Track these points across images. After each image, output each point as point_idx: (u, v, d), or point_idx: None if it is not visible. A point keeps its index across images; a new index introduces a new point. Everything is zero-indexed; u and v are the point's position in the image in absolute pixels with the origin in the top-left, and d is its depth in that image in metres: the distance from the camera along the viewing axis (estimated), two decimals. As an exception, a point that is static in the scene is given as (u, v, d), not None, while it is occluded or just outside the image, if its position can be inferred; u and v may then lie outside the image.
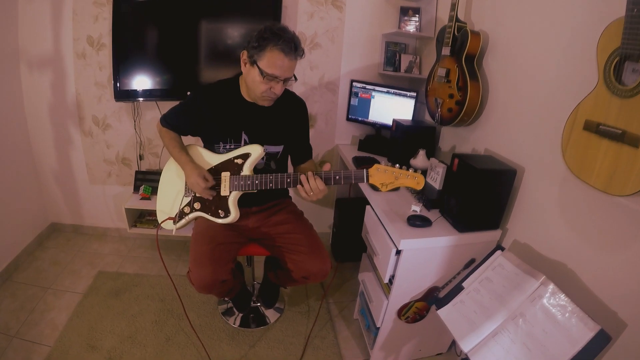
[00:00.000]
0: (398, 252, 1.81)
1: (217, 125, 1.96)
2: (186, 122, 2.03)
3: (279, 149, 1.99)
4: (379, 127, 2.88)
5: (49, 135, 2.98)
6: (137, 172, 3.04)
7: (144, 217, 3.14)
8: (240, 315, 2.49)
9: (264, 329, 2.43)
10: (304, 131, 2.10)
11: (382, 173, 1.65)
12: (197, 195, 1.90)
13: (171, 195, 2.03)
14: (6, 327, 2.29)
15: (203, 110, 1.95)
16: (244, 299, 2.42)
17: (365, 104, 2.85)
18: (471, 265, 1.97)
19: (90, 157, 3.06)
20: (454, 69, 2.10)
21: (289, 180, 1.74)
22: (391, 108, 2.75)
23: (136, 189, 3.02)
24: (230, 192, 1.85)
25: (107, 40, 2.70)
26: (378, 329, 2.10)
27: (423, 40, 2.82)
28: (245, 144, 1.92)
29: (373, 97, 2.80)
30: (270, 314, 2.53)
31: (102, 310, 2.46)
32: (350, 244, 2.96)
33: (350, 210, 2.99)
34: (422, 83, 2.70)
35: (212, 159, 1.95)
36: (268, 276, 2.39)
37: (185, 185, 1.96)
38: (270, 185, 1.77)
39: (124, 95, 2.73)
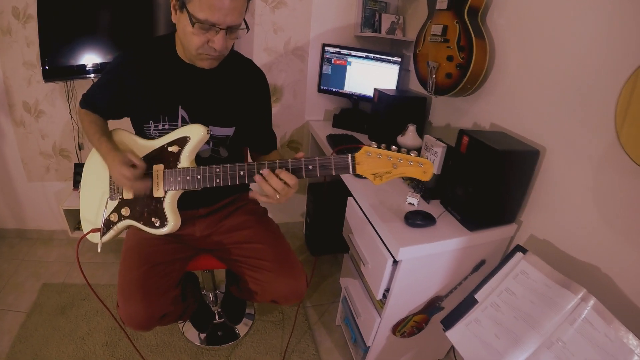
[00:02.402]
0: (395, 262, 1.22)
1: (144, 98, 1.29)
2: (106, 97, 1.34)
3: (228, 132, 1.34)
4: (356, 99, 2.21)
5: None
6: (76, 165, 2.35)
7: None
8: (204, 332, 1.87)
9: (232, 345, 1.83)
10: (264, 112, 1.45)
11: (374, 159, 1.01)
12: (125, 196, 1.27)
13: (95, 198, 1.38)
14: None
15: (127, 78, 1.29)
16: (204, 316, 1.82)
17: (340, 72, 2.17)
18: (480, 268, 1.42)
19: (25, 151, 2.36)
20: (452, 25, 1.53)
21: (242, 173, 1.11)
22: (371, 76, 2.10)
23: (76, 184, 2.34)
24: (165, 193, 1.21)
25: (34, 9, 1.97)
26: (368, 347, 1.52)
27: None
28: (184, 123, 1.26)
29: (349, 64, 2.13)
30: (240, 326, 1.92)
31: (48, 331, 1.88)
32: (327, 234, 2.33)
33: (327, 195, 2.33)
34: (406, 47, 2.12)
35: (142, 147, 1.32)
36: (230, 290, 1.74)
37: (111, 184, 1.31)
38: (217, 181, 1.14)
39: (54, 74, 2.03)
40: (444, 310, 1.47)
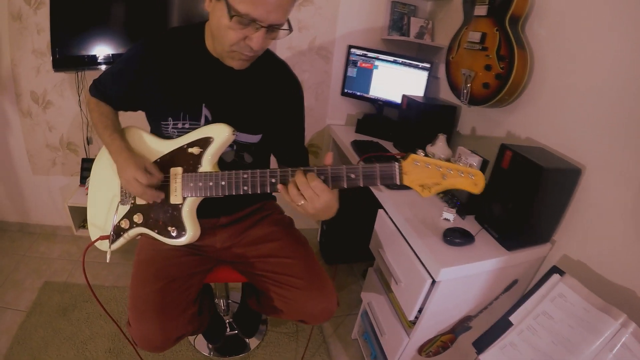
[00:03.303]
0: (433, 283, 1.14)
1: (165, 92, 1.15)
2: (122, 88, 1.20)
3: (254, 139, 1.20)
4: (381, 105, 2.10)
5: (-18, 116, 2.16)
6: (84, 160, 2.24)
7: None
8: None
9: (243, 357, 1.73)
10: (295, 123, 1.30)
11: (422, 169, 0.91)
12: (138, 201, 1.15)
13: (104, 202, 1.24)
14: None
15: (147, 67, 1.14)
16: (216, 327, 1.68)
17: (366, 76, 2.06)
18: (512, 288, 1.36)
19: (31, 143, 2.24)
20: (492, 33, 1.44)
21: (273, 180, 0.98)
22: (398, 82, 1.99)
23: (83, 180, 2.22)
24: (184, 199, 1.09)
25: None
26: (390, 366, 1.45)
27: (437, 1, 2.05)
28: (207, 123, 1.13)
29: (376, 68, 2.02)
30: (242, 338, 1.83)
31: (48, 334, 1.77)
32: (343, 243, 2.23)
33: (345, 202, 2.20)
34: (434, 53, 2.02)
35: (157, 147, 1.18)
36: (248, 303, 1.60)
37: (122, 186, 1.19)
38: (245, 188, 1.01)
39: (65, 63, 1.93)
40: (471, 329, 1.39)
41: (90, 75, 2.07)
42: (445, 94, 1.90)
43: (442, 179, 0.91)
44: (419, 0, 2.13)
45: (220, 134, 1.08)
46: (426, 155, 0.93)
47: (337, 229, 2.25)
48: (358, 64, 2.06)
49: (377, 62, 2.02)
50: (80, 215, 2.24)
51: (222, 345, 1.75)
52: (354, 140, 1.94)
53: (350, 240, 2.18)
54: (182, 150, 1.11)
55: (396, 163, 0.91)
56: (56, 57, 1.93)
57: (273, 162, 1.37)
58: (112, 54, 1.97)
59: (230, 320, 1.85)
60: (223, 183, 1.04)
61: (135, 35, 1.96)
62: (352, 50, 2.05)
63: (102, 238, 1.21)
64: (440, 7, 2.05)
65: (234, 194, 1.04)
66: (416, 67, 1.93)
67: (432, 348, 1.40)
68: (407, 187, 0.94)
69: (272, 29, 0.95)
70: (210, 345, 1.75)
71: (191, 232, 1.11)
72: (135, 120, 1.29)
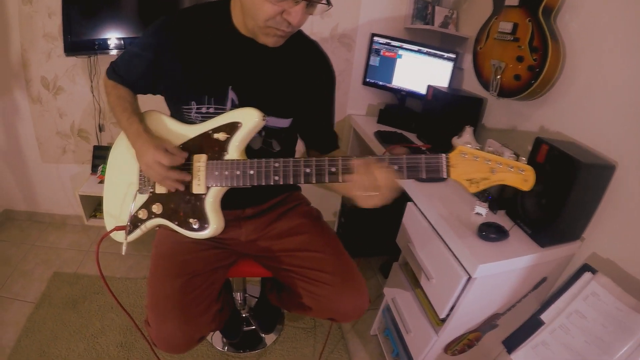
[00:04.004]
0: (468, 279, 1.10)
1: (187, 73, 1.08)
2: (141, 69, 1.12)
3: (284, 123, 1.14)
4: (404, 95, 2.05)
5: (-8, 103, 2.11)
6: (95, 148, 2.19)
7: None
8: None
9: (259, 353, 1.69)
10: (327, 105, 1.24)
11: (469, 162, 0.85)
12: (157, 190, 1.09)
13: (121, 190, 1.18)
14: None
15: (168, 47, 1.06)
16: (234, 324, 1.65)
17: (389, 65, 2.01)
18: (540, 286, 1.32)
19: (41, 130, 2.20)
20: (524, 23, 1.40)
21: (308, 170, 0.93)
22: (421, 72, 1.94)
23: (94, 168, 2.18)
24: (207, 189, 1.03)
25: None
26: (414, 364, 1.41)
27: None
28: (233, 107, 1.06)
29: (399, 57, 1.97)
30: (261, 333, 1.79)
31: (57, 326, 1.74)
32: (361, 236, 2.17)
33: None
34: (458, 43, 1.97)
35: (179, 132, 1.11)
36: (268, 298, 1.56)
37: (140, 174, 1.12)
38: (276, 178, 0.96)
39: (77, 47, 1.89)
40: (498, 328, 1.36)
41: (103, 60, 2.03)
42: (469, 85, 1.86)
43: (490, 173, 0.86)
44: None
45: (249, 119, 1.01)
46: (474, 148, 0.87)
47: (356, 222, 2.21)
48: (381, 53, 2.01)
49: (400, 52, 1.97)
50: (91, 205, 2.21)
51: (238, 341, 1.71)
52: (377, 130, 1.90)
53: (368, 233, 2.14)
54: (206, 136, 1.05)
55: (443, 155, 0.86)
56: (68, 41, 1.88)
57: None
58: (126, 38, 1.92)
59: (247, 314, 1.80)
60: (252, 172, 0.98)
61: (149, 18, 1.89)
62: (375, 38, 2.00)
63: (118, 229, 1.15)
64: (465, -5, 1.99)
65: (263, 184, 0.97)
66: (441, 57, 1.88)
67: (458, 346, 1.37)
68: (436, 180, 0.90)
69: (311, 2, 0.89)
70: (225, 340, 1.71)
71: (214, 225, 1.05)
72: (154, 105, 1.21)
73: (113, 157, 1.26)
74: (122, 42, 1.93)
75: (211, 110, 1.07)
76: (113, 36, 1.90)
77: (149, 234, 1.19)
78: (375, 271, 2.26)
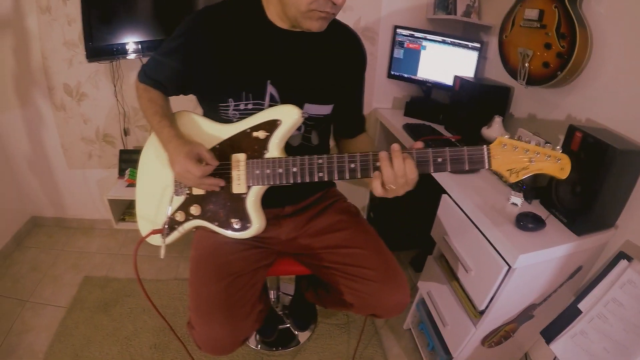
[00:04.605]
0: (508, 270, 1.13)
1: (223, 70, 1.10)
2: (171, 69, 1.14)
3: (326, 110, 1.17)
4: (430, 87, 2.09)
5: (16, 112, 2.20)
6: (121, 152, 2.28)
7: (134, 208, 2.31)
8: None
9: (293, 350, 1.75)
10: (360, 88, 1.28)
11: (509, 152, 0.90)
12: (195, 191, 1.12)
13: (156, 193, 1.21)
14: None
15: (200, 45, 1.08)
16: (270, 322, 1.70)
17: (413, 57, 2.05)
18: (576, 275, 1.36)
19: (66, 136, 2.29)
20: (550, 10, 1.42)
21: (353, 165, 0.96)
22: (446, 62, 1.97)
23: (121, 172, 2.26)
24: (248, 188, 1.06)
25: None
26: (450, 357, 1.45)
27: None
28: (273, 102, 1.10)
29: (424, 49, 2.00)
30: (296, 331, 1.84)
31: (89, 330, 1.80)
32: (390, 230, 2.10)
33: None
34: (483, 31, 2.00)
35: (217, 131, 1.13)
36: (305, 295, 1.59)
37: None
38: (320, 175, 0.99)
39: (99, 53, 1.94)
40: (534, 318, 1.40)
41: (126, 65, 2.10)
42: (494, 74, 1.89)
43: (529, 163, 0.90)
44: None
45: (289, 116, 1.04)
46: (512, 138, 0.91)
47: (385, 216, 2.26)
48: (405, 45, 2.05)
49: (424, 43, 2.00)
50: (119, 208, 2.29)
51: (273, 339, 1.76)
52: (405, 123, 1.95)
53: (397, 228, 2.16)
54: (245, 134, 1.07)
55: (485, 146, 0.90)
56: (89, 47, 1.93)
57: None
58: (150, 40, 1.98)
59: (281, 312, 1.86)
60: (295, 169, 1.01)
61: (168, 20, 1.97)
62: (399, 30, 2.04)
63: (154, 232, 1.18)
64: (487, -16, 2.02)
65: (308, 181, 1.00)
66: (465, 47, 1.91)
67: (495, 338, 1.41)
68: (469, 171, 0.93)
69: None
70: (258, 338, 1.76)
71: (257, 224, 1.08)
72: (186, 105, 1.25)
73: (144, 160, 1.28)
74: (142, 45, 1.97)
75: (249, 106, 1.09)
76: (134, 40, 1.95)
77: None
78: (405, 265, 2.30)
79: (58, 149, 2.32)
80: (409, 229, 2.07)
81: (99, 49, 1.95)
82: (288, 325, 1.83)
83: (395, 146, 0.91)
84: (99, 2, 1.89)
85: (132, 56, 1.99)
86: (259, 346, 1.75)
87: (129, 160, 2.25)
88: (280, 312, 1.86)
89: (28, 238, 2.48)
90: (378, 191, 0.94)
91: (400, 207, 2.03)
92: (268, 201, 1.11)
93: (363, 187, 2.54)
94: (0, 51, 2.07)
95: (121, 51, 1.96)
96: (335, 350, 1.76)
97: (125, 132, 2.27)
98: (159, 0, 1.95)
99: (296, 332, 1.82)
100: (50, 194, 2.50)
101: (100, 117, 2.24)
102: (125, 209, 2.36)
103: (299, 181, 1.01)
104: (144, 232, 1.23)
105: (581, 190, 1.19)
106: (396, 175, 0.90)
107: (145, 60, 1.93)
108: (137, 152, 2.17)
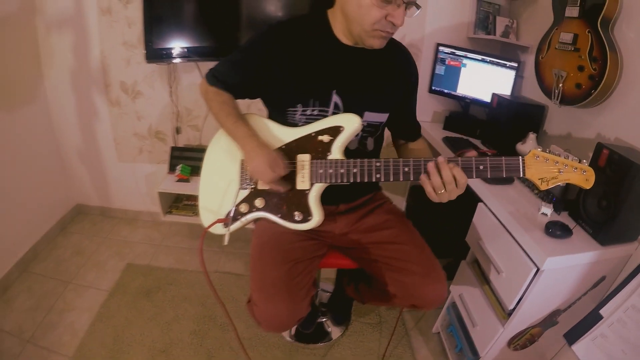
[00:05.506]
0: (536, 272, 1.31)
1: (295, 79, 1.31)
2: (246, 76, 1.35)
3: (382, 118, 1.38)
4: (468, 103, 2.29)
5: (72, 105, 2.46)
6: (173, 149, 2.49)
7: (181, 202, 2.57)
8: (295, 327, 1.95)
9: (327, 345, 1.93)
10: (414, 99, 1.50)
11: (541, 163, 1.09)
12: (260, 186, 1.32)
13: (220, 187, 1.41)
14: (20, 330, 1.88)
15: (274, 55, 1.29)
16: (311, 315, 1.87)
17: (454, 74, 2.25)
18: (600, 284, 1.50)
19: (119, 131, 2.54)
20: (584, 34, 1.59)
21: (406, 169, 1.15)
22: (485, 80, 2.16)
23: (172, 168, 2.46)
24: (311, 185, 1.26)
25: None
26: (478, 357, 1.62)
27: (522, 1, 2.20)
28: (336, 109, 1.30)
29: (464, 66, 2.21)
30: (334, 326, 2.02)
31: (131, 313, 2.00)
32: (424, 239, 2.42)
33: (429, 200, 2.34)
34: (520, 51, 2.19)
35: (283, 133, 1.33)
36: (345, 290, 1.80)
37: (241, 172, 1.36)
38: (377, 176, 1.18)
39: (158, 55, 2.17)
40: (558, 325, 1.55)
41: (183, 68, 2.34)
42: (529, 92, 2.07)
43: (558, 173, 1.09)
44: (503, -1, 2.29)
45: (351, 123, 1.25)
46: (544, 151, 1.10)
47: (418, 225, 2.35)
48: (446, 62, 2.25)
49: (465, 60, 2.20)
50: (167, 202, 2.50)
51: (309, 332, 1.95)
52: (445, 136, 2.15)
53: (430, 237, 2.27)
54: (310, 137, 1.28)
55: (520, 157, 1.09)
56: (149, 49, 2.16)
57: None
58: (206, 46, 2.21)
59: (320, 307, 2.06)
60: (355, 170, 1.21)
61: (229, 31, 2.20)
62: (441, 48, 2.24)
63: (219, 221, 1.37)
64: (524, 6, 2.20)
65: (366, 180, 1.20)
66: (503, 65, 2.10)
67: (520, 341, 1.57)
68: (505, 182, 1.12)
69: (409, 5, 1.14)
70: (293, 332, 1.95)
71: (317, 217, 1.28)
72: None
73: (210, 157, 1.49)
74: (198, 51, 2.20)
75: (315, 112, 1.30)
76: (191, 46, 2.18)
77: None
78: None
79: (110, 142, 2.57)
80: (441, 238, 2.22)
81: (158, 51, 2.17)
82: (325, 320, 2.01)
83: (440, 158, 1.11)
84: (160, 8, 2.11)
85: (188, 60, 2.22)
86: (294, 339, 1.93)
87: (179, 157, 2.47)
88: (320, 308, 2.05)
89: (72, 224, 2.74)
90: (432, 196, 1.14)
91: (432, 217, 2.22)
92: (325, 199, 1.31)
93: (400, 196, 2.73)
94: (61, 48, 2.32)
95: (179, 55, 2.19)
96: (367, 348, 1.94)
97: (177, 131, 2.51)
98: (219, 10, 2.15)
99: (330, 330, 1.98)
100: (97, 184, 2.75)
101: (153, 115, 2.48)
102: (172, 203, 2.57)
103: (358, 180, 1.22)
104: (206, 223, 1.40)
105: (606, 204, 1.35)
106: (445, 182, 1.09)
107: (202, 65, 2.25)
108: (188, 149, 2.48)
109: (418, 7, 1.15)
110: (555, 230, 1.35)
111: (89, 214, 2.85)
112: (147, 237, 2.66)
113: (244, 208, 1.36)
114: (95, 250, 2.47)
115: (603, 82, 1.53)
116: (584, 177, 1.08)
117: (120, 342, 1.85)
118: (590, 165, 1.11)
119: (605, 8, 1.52)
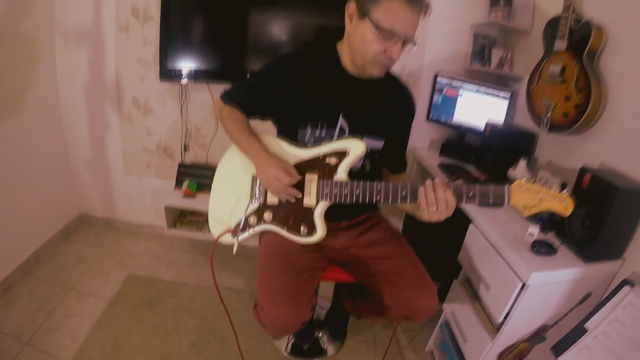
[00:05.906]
0: (522, 287, 1.42)
1: (307, 102, 1.48)
2: (262, 98, 1.52)
3: (379, 144, 1.53)
4: (463, 131, 2.45)
5: (84, 117, 2.60)
6: (180, 165, 2.63)
7: (185, 217, 2.68)
8: (292, 342, 2.05)
9: (322, 361, 2.03)
10: (406, 133, 1.66)
11: (525, 192, 1.22)
12: (269, 201, 1.46)
13: (231, 199, 1.55)
14: (19, 331, 1.95)
15: (288, 82, 1.47)
16: (309, 328, 2.00)
17: (450, 103, 2.42)
18: (585, 300, 1.60)
19: (128, 145, 2.68)
20: (571, 66, 1.74)
21: (404, 193, 1.28)
22: (480, 109, 2.33)
23: (178, 183, 2.59)
24: (317, 202, 1.40)
25: (155, 12, 2.31)
26: (469, 372, 1.71)
27: (516, 34, 2.39)
28: (342, 132, 1.45)
29: (460, 95, 2.37)
30: (329, 342, 2.10)
31: (131, 322, 2.08)
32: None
33: (425, 224, 2.49)
34: (512, 81, 2.37)
35: (294, 152, 1.48)
36: (343, 304, 1.90)
37: (253, 186, 1.50)
38: (378, 197, 1.32)
39: (172, 74, 2.34)
40: (546, 341, 1.63)
41: (194, 88, 2.50)
42: (522, 120, 2.23)
43: (539, 202, 1.22)
44: (498, 31, 2.45)
45: (356, 149, 1.38)
46: (527, 181, 1.24)
47: (411, 244, 2.47)
48: (444, 92, 2.42)
49: (461, 90, 2.37)
50: (172, 216, 2.60)
51: (301, 346, 2.04)
52: (440, 162, 2.30)
53: (423, 255, 2.42)
54: (318, 159, 1.42)
55: (506, 186, 1.23)
56: (163, 68, 2.33)
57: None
58: (216, 70, 2.39)
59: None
60: (358, 192, 1.34)
61: (240, 56, 2.39)
62: (439, 78, 2.41)
63: (228, 231, 1.51)
64: (518, 39, 2.39)
65: (367, 202, 1.34)
66: (497, 96, 2.27)
67: (510, 357, 1.66)
68: (493, 205, 1.25)
69: (406, 42, 1.29)
70: (288, 348, 2.04)
71: (320, 232, 1.41)
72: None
73: (221, 172, 1.64)
74: (211, 72, 2.37)
75: (323, 133, 1.46)
76: (204, 68, 2.36)
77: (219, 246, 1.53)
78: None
79: (119, 156, 2.70)
80: (436, 258, 2.34)
81: (172, 71, 2.34)
82: (321, 335, 2.10)
83: (437, 180, 1.25)
84: (177, 31, 2.29)
85: (198, 82, 2.39)
86: (288, 354, 2.01)
87: (185, 173, 2.62)
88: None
89: (76, 233, 2.85)
90: (424, 211, 1.26)
91: (427, 237, 2.35)
92: (327, 216, 1.44)
93: (397, 218, 2.86)
94: (77, 61, 2.48)
95: (191, 75, 2.36)
96: (361, 364, 2.03)
97: (185, 148, 2.65)
98: (229, 37, 2.34)
99: (325, 347, 2.07)
100: (103, 195, 2.87)
101: (163, 131, 2.62)
102: (177, 217, 2.68)
103: (359, 202, 1.34)
104: (215, 234, 1.54)
105: (590, 223, 1.47)
106: (438, 200, 1.22)
107: (213, 86, 2.43)
108: (195, 166, 2.64)
109: (414, 44, 1.31)
110: (541, 248, 1.48)
111: (92, 224, 2.96)
112: (150, 249, 2.76)
113: (252, 220, 1.50)
114: (98, 260, 2.56)
115: (588, 111, 1.68)
116: (563, 205, 1.21)
117: (119, 350, 1.92)
118: (574, 187, 1.24)
119: (590, 41, 1.68)
